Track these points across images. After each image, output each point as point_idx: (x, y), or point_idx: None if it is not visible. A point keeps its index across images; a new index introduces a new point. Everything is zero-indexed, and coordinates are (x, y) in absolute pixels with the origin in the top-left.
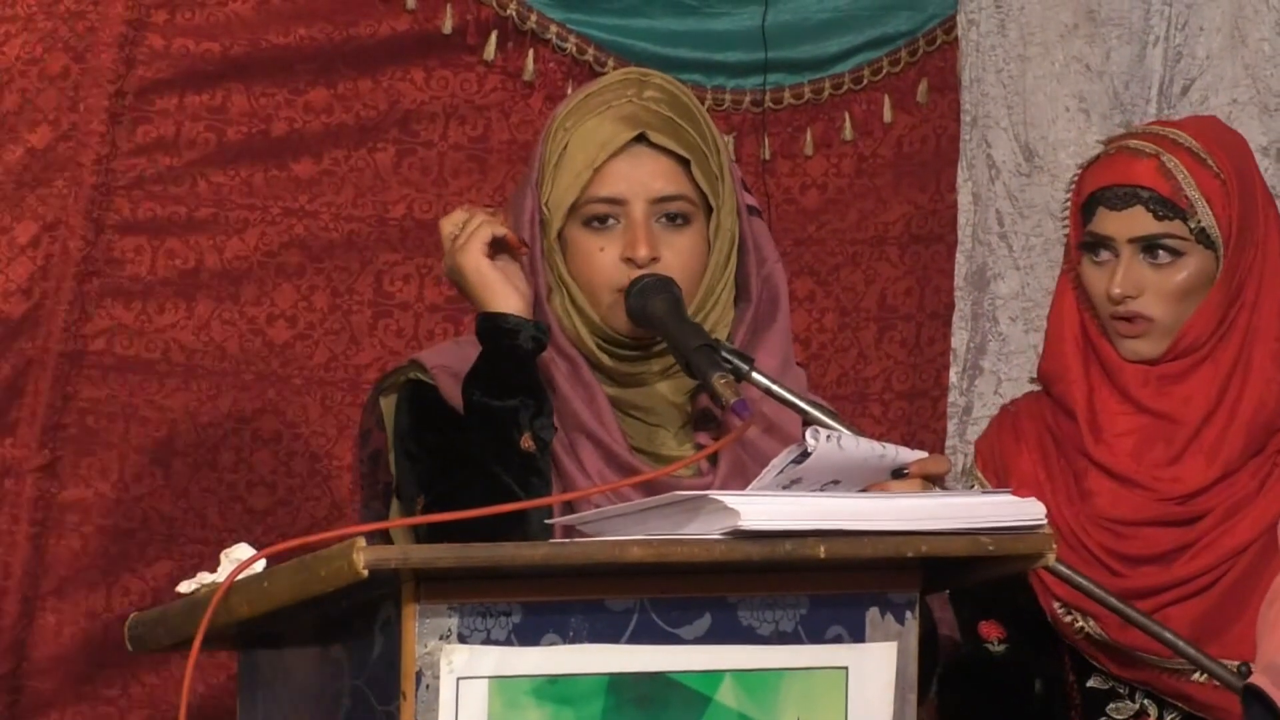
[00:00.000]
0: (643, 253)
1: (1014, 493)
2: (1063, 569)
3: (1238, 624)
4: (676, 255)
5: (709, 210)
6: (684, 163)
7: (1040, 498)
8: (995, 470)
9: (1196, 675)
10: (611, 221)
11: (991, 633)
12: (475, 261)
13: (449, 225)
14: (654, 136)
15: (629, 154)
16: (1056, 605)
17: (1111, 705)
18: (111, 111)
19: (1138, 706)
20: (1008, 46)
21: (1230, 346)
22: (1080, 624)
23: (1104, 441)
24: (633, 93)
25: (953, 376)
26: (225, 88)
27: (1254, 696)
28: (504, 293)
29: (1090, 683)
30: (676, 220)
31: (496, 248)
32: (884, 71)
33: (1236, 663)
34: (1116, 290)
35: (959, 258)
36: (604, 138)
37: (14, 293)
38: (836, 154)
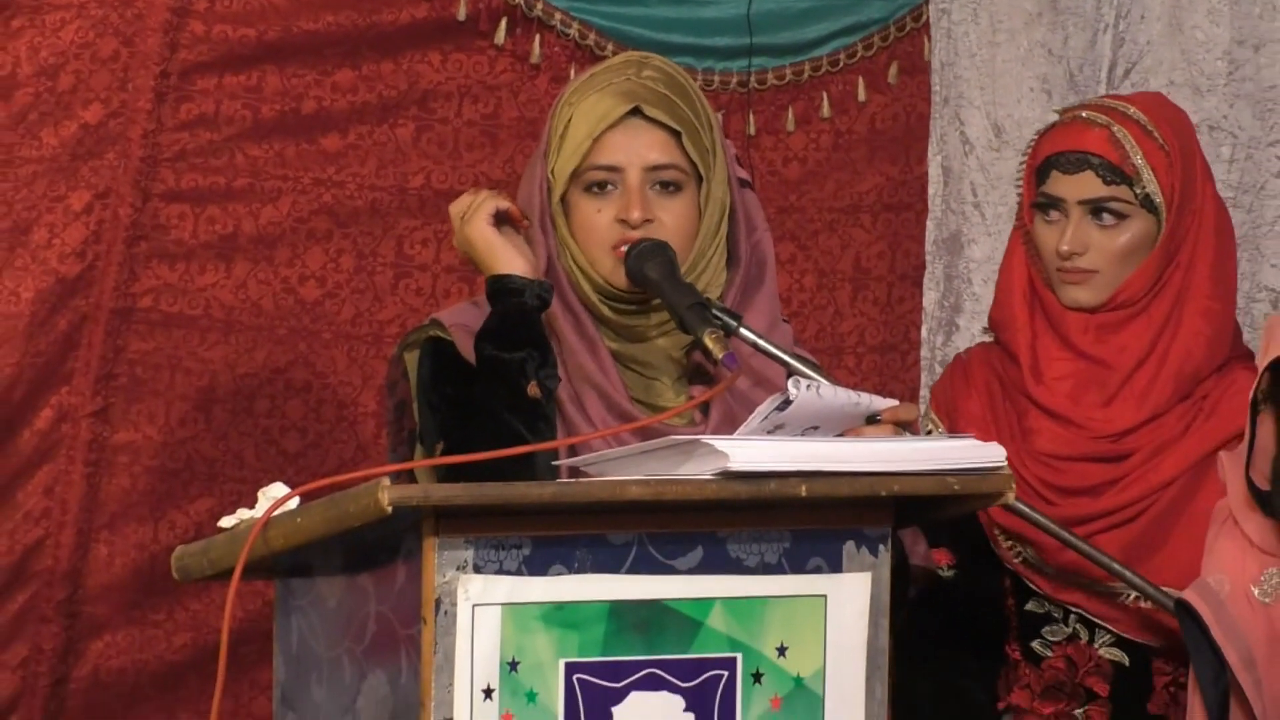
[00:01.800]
0: (635, 215)
1: (976, 436)
2: (1021, 506)
3: (1161, 552)
4: (669, 219)
5: (700, 180)
6: (676, 135)
7: (984, 435)
8: (946, 411)
9: (1122, 598)
10: (610, 187)
11: (941, 559)
12: (481, 230)
13: (457, 207)
14: (648, 110)
15: (626, 126)
16: (998, 533)
17: (1046, 628)
18: (157, 91)
19: (1070, 630)
20: (979, 33)
21: (1164, 302)
22: (1019, 549)
23: (1044, 383)
24: (632, 72)
25: (924, 333)
26: (260, 69)
27: (1184, 610)
28: (509, 256)
29: (1028, 606)
30: (669, 187)
31: (500, 220)
32: (858, 55)
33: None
34: (1065, 247)
35: (929, 225)
36: (603, 111)
37: (69, 255)
38: (815, 130)
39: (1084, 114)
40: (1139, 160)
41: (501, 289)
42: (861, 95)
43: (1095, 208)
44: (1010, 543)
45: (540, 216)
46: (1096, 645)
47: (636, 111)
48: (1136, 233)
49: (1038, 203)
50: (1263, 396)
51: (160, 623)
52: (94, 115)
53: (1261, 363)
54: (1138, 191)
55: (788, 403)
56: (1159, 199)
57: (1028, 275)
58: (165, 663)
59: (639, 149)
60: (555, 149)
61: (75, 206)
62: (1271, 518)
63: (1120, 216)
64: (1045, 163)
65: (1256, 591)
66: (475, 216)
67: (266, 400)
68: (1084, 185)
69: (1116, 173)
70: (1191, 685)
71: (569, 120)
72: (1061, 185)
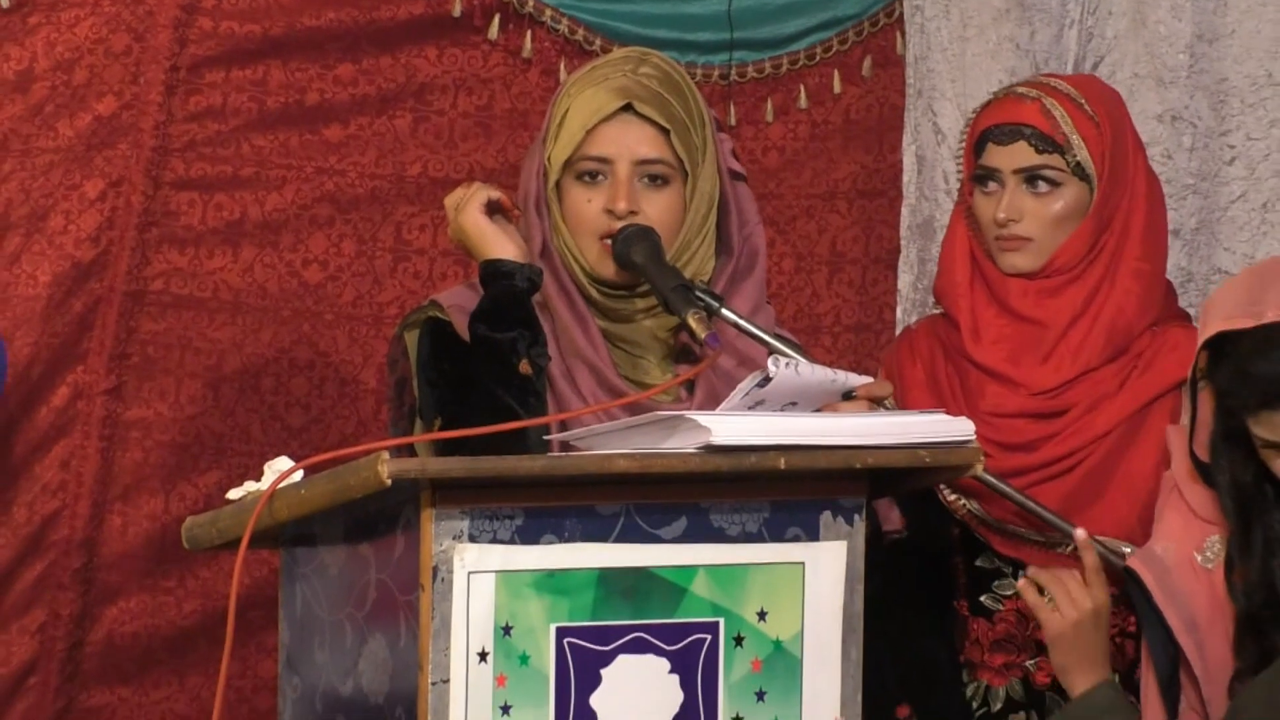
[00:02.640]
0: (622, 206)
1: (918, 401)
2: (988, 477)
3: (1098, 504)
4: (654, 211)
5: (688, 176)
6: (665, 132)
7: (925, 399)
8: (893, 379)
9: (1061, 549)
10: (600, 177)
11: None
12: (474, 219)
13: (451, 199)
14: (640, 107)
15: (620, 121)
16: (944, 487)
17: (996, 583)
18: (168, 84)
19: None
20: (950, 28)
21: (1099, 267)
22: (964, 502)
23: (982, 344)
24: (630, 68)
25: (899, 313)
26: (265, 64)
27: (1132, 577)
28: (501, 242)
29: (978, 562)
30: (656, 181)
31: (492, 209)
32: (834, 49)
33: (1128, 548)
34: (1001, 215)
35: (903, 211)
36: (598, 104)
37: (84, 240)
38: (793, 121)
39: (1017, 89)
40: (1069, 130)
41: (494, 273)
42: (837, 88)
43: (1029, 176)
44: (955, 495)
45: (537, 199)
46: (1045, 598)
47: (629, 107)
48: (1069, 200)
49: (976, 175)
50: (1201, 374)
51: (171, 590)
52: (107, 107)
53: (1200, 340)
54: (1069, 159)
55: (767, 380)
56: (1090, 167)
57: (969, 247)
58: (176, 627)
59: (629, 143)
60: (553, 137)
61: (90, 194)
62: (1212, 488)
63: (1054, 184)
64: (981, 136)
65: (1199, 558)
66: (468, 206)
67: (272, 378)
68: (1018, 155)
69: (1048, 142)
70: (1145, 652)
71: (566, 111)
72: (997, 156)
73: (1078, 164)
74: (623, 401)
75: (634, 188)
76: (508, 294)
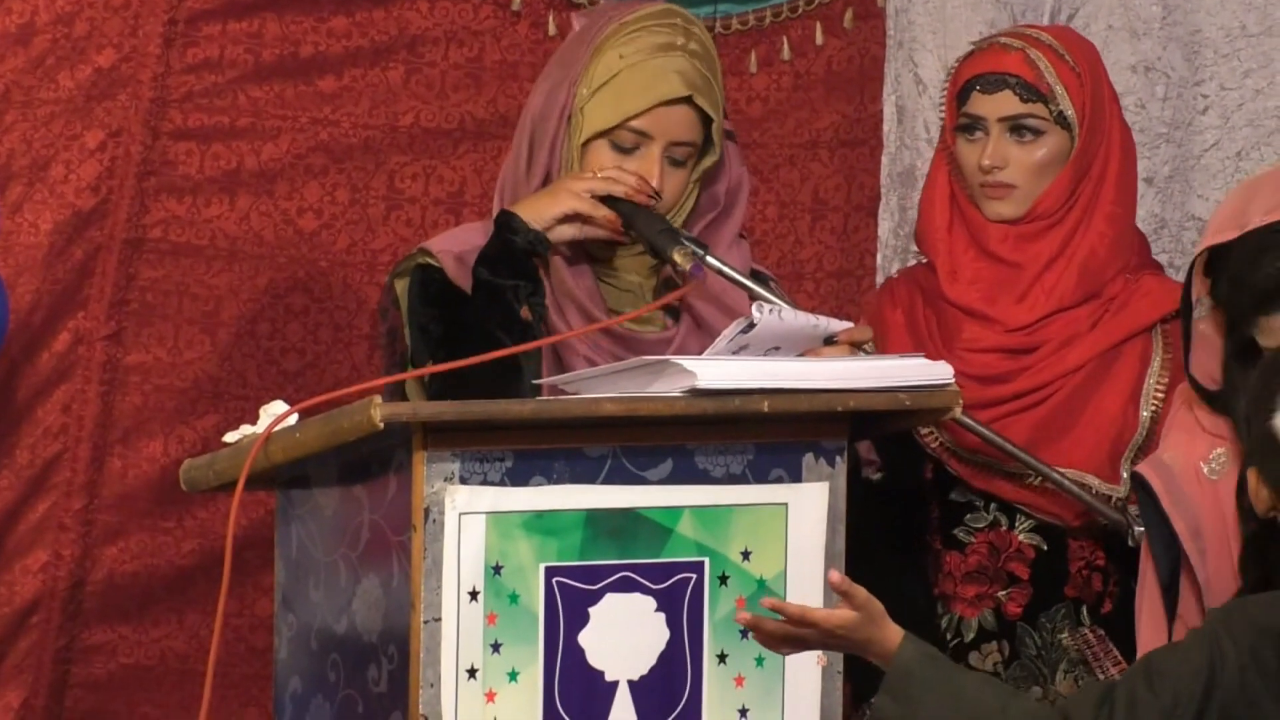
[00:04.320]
0: (656, 186)
1: (895, 343)
2: (967, 420)
3: (1069, 436)
4: (669, 189)
5: (701, 155)
6: (707, 121)
7: (904, 341)
8: (873, 324)
9: (1030, 481)
10: (630, 149)
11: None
12: (561, 192)
13: (581, 184)
14: (698, 99)
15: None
16: None
17: (968, 516)
18: (166, 37)
19: (991, 518)
20: None
21: (1076, 212)
22: (935, 434)
23: (959, 284)
24: (681, 42)
25: (879, 260)
26: (261, 17)
27: (1139, 483)
28: (535, 207)
29: (951, 496)
30: (677, 161)
31: (573, 217)
32: (815, 2)
33: (1110, 494)
34: (986, 162)
35: (884, 160)
36: (661, 88)
37: (85, 189)
38: (776, 72)
39: (1001, 39)
40: (1053, 80)
41: (505, 225)
42: (819, 39)
43: (1014, 125)
44: (927, 429)
45: (553, 135)
46: (1016, 531)
47: (688, 98)
48: (1052, 148)
49: (960, 124)
50: (1197, 299)
51: (170, 530)
52: (107, 59)
53: (1194, 256)
54: (1052, 109)
55: (751, 325)
56: (1072, 116)
57: (950, 192)
58: (175, 567)
59: (671, 124)
60: (590, 87)
61: (90, 144)
62: (1222, 414)
63: (1037, 133)
64: (966, 85)
65: (1205, 469)
66: (571, 197)
67: (268, 323)
68: (1003, 103)
69: (1032, 91)
70: (1144, 553)
71: (618, 73)
72: (982, 104)
73: (1060, 113)
74: (612, 322)
75: (664, 166)
76: (509, 247)
